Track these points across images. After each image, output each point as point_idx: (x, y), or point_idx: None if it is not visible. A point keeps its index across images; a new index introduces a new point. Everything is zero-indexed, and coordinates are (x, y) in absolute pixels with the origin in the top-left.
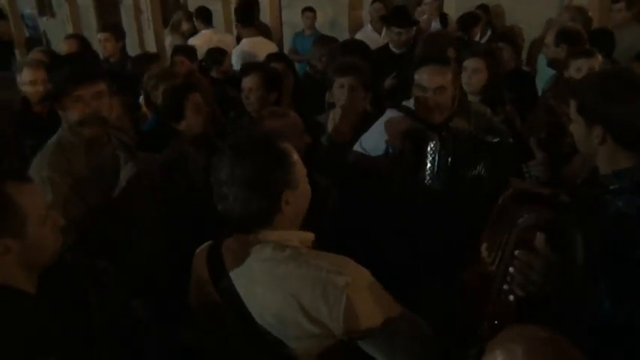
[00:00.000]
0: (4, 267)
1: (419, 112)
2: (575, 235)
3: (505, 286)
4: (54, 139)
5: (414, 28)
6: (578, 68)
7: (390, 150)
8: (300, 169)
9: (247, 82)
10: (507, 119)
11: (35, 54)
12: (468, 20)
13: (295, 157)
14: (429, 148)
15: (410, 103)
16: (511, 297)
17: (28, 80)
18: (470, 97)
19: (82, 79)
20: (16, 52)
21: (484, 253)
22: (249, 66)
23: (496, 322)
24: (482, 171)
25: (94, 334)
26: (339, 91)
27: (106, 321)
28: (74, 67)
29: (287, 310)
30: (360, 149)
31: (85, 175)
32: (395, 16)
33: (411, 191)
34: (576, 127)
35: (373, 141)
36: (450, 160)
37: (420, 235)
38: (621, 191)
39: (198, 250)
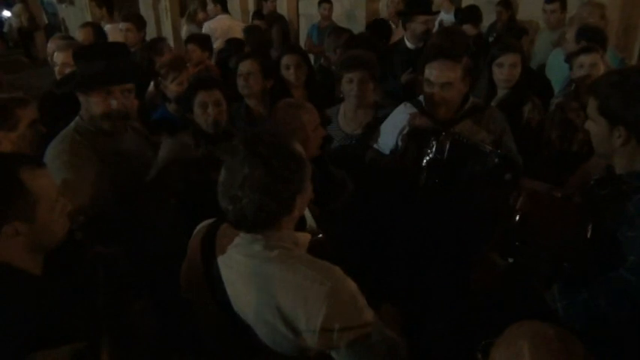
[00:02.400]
0: (11, 249)
1: (427, 107)
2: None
3: None
4: (72, 125)
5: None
6: (580, 65)
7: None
8: (309, 172)
9: (245, 65)
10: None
11: (55, 40)
12: (469, 14)
13: (306, 159)
14: (427, 150)
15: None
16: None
17: (62, 62)
18: (500, 92)
19: (117, 79)
20: (35, 37)
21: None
22: (246, 53)
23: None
24: (470, 177)
25: (98, 317)
26: (348, 86)
27: (113, 305)
28: (111, 63)
29: (264, 309)
30: (377, 146)
31: (109, 159)
32: (419, 5)
33: (410, 189)
34: (596, 127)
35: (386, 135)
36: (443, 162)
37: (419, 232)
38: (636, 191)
39: (198, 228)
